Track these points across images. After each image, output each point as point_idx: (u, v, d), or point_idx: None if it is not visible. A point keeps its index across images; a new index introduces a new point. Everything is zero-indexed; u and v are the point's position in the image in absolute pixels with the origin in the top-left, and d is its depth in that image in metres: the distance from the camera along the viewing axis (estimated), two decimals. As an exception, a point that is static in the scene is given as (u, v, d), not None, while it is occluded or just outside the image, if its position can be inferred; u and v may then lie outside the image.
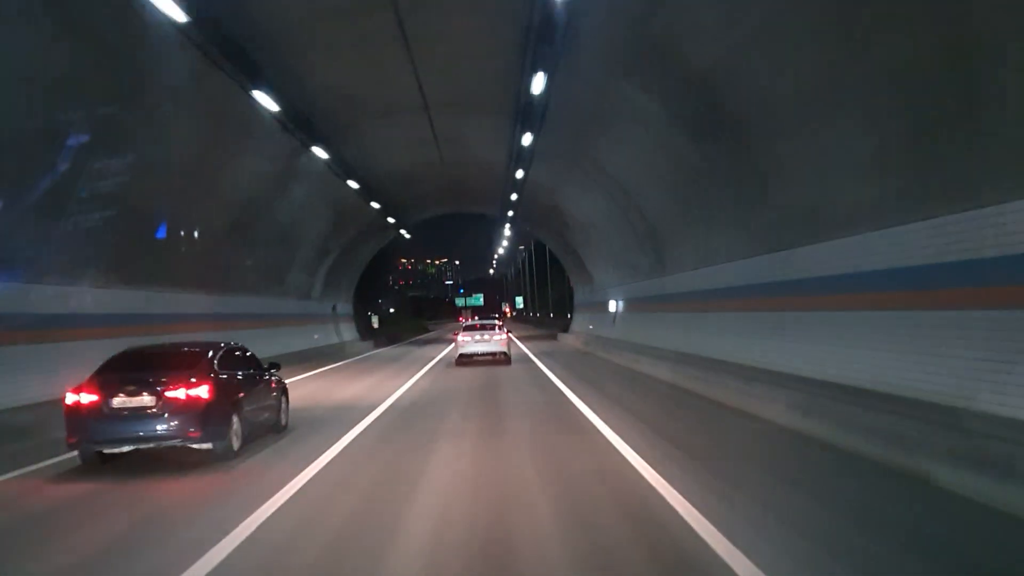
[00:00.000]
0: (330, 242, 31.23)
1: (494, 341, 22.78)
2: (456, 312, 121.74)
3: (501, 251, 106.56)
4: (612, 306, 28.15)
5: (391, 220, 33.37)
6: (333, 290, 35.65)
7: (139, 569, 5.03)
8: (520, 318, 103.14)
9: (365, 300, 49.10)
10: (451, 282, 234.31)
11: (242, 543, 5.36)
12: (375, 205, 28.46)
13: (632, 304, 25.57)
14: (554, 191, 27.04)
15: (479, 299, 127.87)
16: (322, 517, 6.13)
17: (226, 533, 5.52)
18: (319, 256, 31.06)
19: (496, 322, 25.56)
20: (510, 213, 33.79)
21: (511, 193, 28.31)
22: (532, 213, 33.65)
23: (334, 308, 36.09)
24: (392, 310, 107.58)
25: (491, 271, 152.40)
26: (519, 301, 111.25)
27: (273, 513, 6.21)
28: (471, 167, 27.75)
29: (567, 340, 36.60)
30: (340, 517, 6.12)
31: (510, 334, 25.66)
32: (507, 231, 44.26)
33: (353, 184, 24.18)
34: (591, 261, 31.81)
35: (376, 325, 48.15)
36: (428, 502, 6.59)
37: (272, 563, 5.05)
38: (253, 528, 5.73)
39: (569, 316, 56.19)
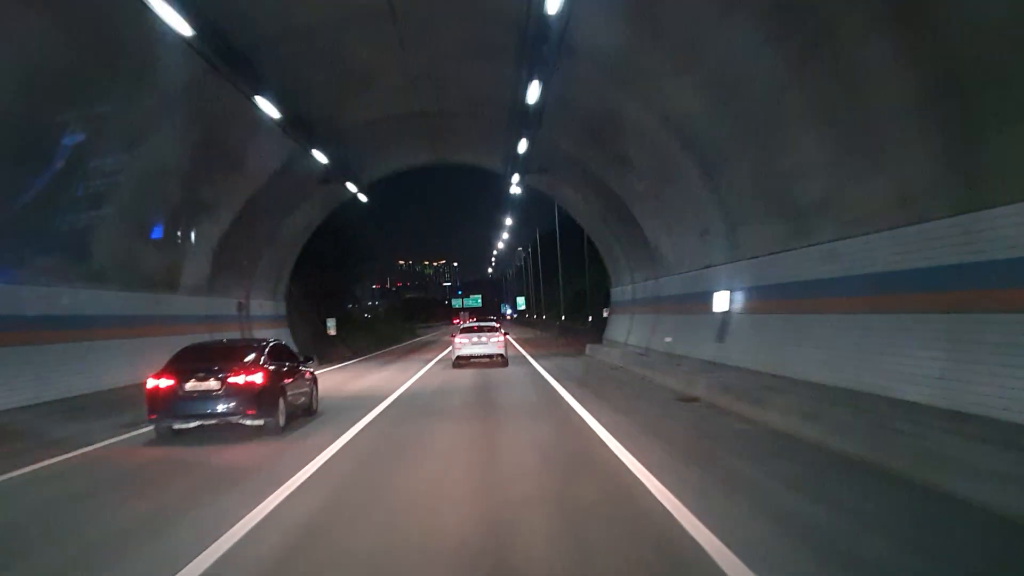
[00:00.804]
0: (210, 192, 17.48)
1: (491, 343, 21.72)
2: (452, 314, 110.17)
3: (501, 245, 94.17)
4: (720, 303, 14.39)
5: (321, 158, 19.43)
6: (237, 277, 21.87)
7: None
8: (522, 320, 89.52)
9: (318, 296, 35.40)
10: (449, 283, 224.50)
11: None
12: (273, 113, 14.63)
13: (799, 299, 11.62)
14: (618, 80, 13.31)
15: (477, 300, 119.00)
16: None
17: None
18: (186, 217, 17.25)
19: (494, 324, 24.41)
20: (522, 147, 19.69)
21: (529, 86, 14.45)
22: (562, 148, 19.84)
23: (240, 307, 22.32)
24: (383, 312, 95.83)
25: (490, 269, 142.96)
26: (521, 302, 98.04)
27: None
28: (452, 43, 13.95)
29: (611, 359, 22.66)
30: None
31: (508, 336, 24.28)
32: (515, 191, 29.22)
33: (189, 33, 10.35)
34: (668, 220, 17.88)
35: (334, 332, 34.20)
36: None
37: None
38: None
39: (590, 319, 42.17)
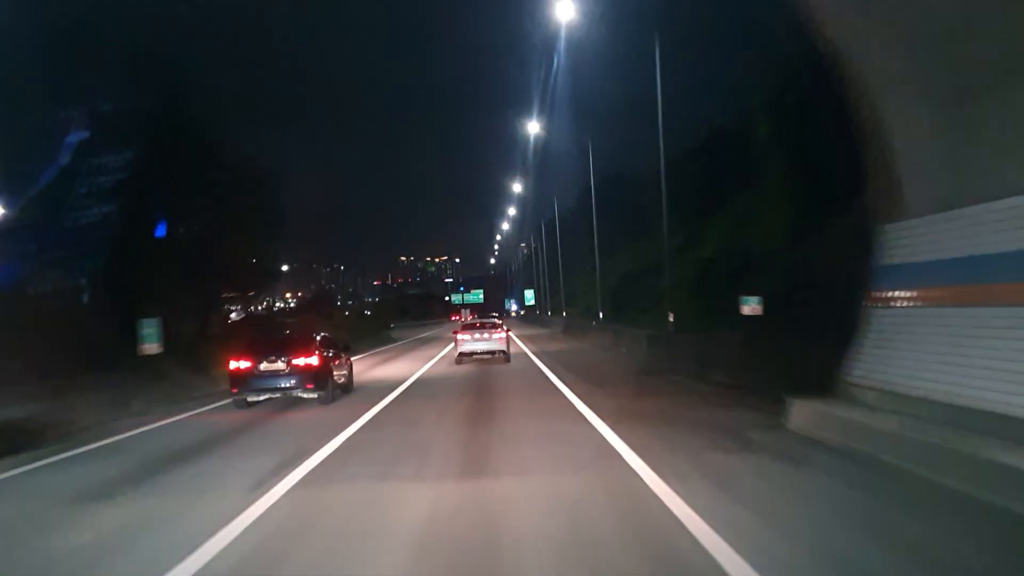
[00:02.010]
0: None
1: (494, 339, 21.45)
2: (452, 310, 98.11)
3: (506, 226, 75.80)
4: None
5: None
6: None
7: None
8: (532, 319, 70.10)
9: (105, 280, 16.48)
10: (451, 279, 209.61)
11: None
12: None
13: None
14: None
15: (479, 295, 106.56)
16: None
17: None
18: None
19: (496, 321, 23.66)
20: None
21: None
22: None
23: None
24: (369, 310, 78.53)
25: (492, 260, 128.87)
26: (529, 295, 78.60)
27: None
28: None
29: None
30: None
31: (510, 332, 23.96)
32: None
33: None
34: None
35: (156, 348, 15.18)
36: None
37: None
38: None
39: (673, 317, 22.43)
